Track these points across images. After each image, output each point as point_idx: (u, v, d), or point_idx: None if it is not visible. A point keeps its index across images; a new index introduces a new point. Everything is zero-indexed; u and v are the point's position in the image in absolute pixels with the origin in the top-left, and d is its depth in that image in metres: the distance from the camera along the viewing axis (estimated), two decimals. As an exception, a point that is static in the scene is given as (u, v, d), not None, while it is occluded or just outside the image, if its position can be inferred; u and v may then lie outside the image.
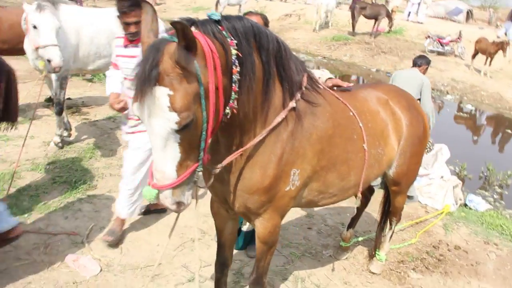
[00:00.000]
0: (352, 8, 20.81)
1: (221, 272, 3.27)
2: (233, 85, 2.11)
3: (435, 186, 6.38)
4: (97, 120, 7.44)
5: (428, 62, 6.27)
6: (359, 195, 3.19)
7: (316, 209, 5.43)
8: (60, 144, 6.06)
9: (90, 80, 9.83)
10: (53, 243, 4.06)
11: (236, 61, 2.09)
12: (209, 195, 3.39)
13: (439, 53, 19.21)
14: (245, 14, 3.69)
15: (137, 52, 3.64)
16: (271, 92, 2.39)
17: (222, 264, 3.23)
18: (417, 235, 5.22)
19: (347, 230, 4.45)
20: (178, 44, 1.79)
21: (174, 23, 1.73)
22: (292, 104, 2.50)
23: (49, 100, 7.52)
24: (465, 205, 6.68)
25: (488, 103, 15.30)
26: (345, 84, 3.41)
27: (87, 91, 9.08)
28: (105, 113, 7.76)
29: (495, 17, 32.35)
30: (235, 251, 4.27)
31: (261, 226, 2.74)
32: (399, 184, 3.77)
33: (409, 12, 25.09)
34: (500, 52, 16.44)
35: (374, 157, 3.16)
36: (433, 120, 6.09)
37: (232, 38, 2.10)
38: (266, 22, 3.70)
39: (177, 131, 1.88)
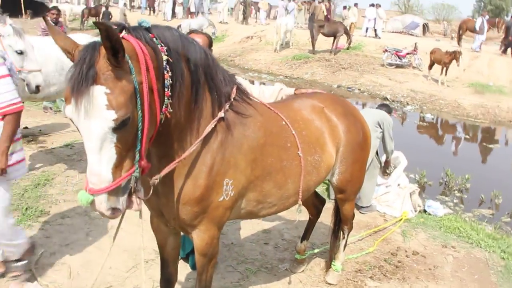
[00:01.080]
0: (310, 27, 21.20)
1: None
2: (166, 90, 2.14)
3: (392, 194, 6.46)
4: (53, 148, 7.30)
5: (389, 111, 6.38)
6: (300, 202, 3.18)
7: (273, 223, 5.41)
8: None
9: (50, 108, 9.74)
10: (-3, 273, 3.91)
11: (167, 66, 2.14)
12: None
13: (397, 66, 19.67)
14: (189, 33, 3.69)
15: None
16: (200, 101, 2.41)
17: (166, 280, 3.16)
18: (375, 243, 5.24)
19: (301, 242, 4.43)
20: (103, 45, 1.79)
21: (97, 24, 1.74)
22: (220, 114, 2.52)
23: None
24: (425, 211, 6.75)
25: (447, 111, 15.69)
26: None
27: (45, 119, 8.95)
28: (62, 140, 7.64)
29: (450, 29, 33.50)
30: (190, 270, 4.21)
31: (197, 238, 2.71)
32: (344, 192, 3.79)
33: (367, 28, 25.74)
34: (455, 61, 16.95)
35: (311, 164, 3.16)
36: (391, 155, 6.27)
37: (162, 45, 2.15)
38: (210, 42, 3.71)
39: (114, 130, 1.86)
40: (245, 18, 29.97)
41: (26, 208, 5.05)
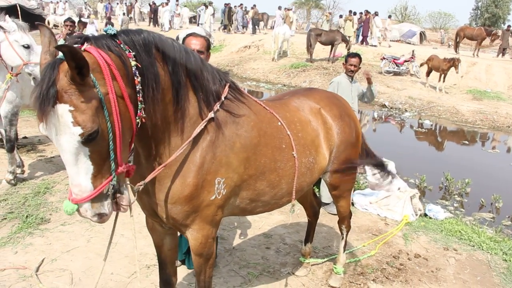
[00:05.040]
0: (308, 36, 21.31)
1: None
2: (138, 95, 2.13)
3: (393, 198, 6.45)
4: (53, 157, 7.31)
5: (346, 59, 6.29)
6: (293, 202, 3.21)
7: (274, 228, 5.42)
8: (13, 182, 5.93)
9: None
10: (-1, 279, 3.90)
11: (137, 72, 2.11)
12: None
13: (395, 73, 19.77)
14: (188, 35, 3.69)
15: None
16: (183, 101, 2.41)
17: (165, 282, 3.14)
18: (376, 247, 5.24)
19: (305, 245, 4.44)
20: (69, 66, 1.78)
21: (59, 47, 1.73)
22: (210, 115, 2.52)
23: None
24: (425, 215, 6.74)
25: (445, 117, 15.74)
26: None
27: (44, 130, 8.94)
28: (61, 150, 7.62)
29: (447, 37, 33.66)
30: (190, 273, 4.20)
31: (191, 237, 2.71)
32: (337, 188, 3.84)
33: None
34: (453, 68, 17.04)
35: (305, 166, 3.19)
36: None
37: (130, 51, 2.11)
38: (208, 44, 3.71)
39: (84, 144, 1.89)
40: (225, 27, 30.24)
41: (27, 216, 5.05)
